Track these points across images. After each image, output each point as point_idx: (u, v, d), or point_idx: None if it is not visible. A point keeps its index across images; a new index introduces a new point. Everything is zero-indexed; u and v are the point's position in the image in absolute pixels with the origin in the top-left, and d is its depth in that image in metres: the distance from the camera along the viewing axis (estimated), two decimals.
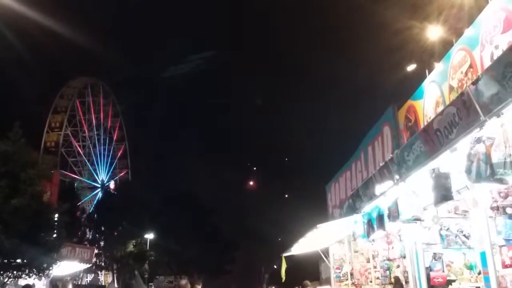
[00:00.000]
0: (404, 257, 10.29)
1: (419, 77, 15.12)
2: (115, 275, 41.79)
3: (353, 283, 14.38)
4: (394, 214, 8.63)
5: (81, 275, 40.24)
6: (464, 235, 8.78)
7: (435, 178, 6.81)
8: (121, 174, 76.60)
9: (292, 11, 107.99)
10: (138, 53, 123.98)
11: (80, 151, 71.93)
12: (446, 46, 13.47)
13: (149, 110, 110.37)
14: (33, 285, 14.49)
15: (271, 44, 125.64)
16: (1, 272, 14.86)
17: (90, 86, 74.65)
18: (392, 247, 11.35)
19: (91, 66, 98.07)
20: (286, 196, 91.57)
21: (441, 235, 8.91)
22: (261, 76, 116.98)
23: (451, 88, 12.28)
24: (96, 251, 33.49)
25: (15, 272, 14.94)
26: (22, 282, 15.47)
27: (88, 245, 33.40)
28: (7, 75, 74.15)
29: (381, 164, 10.73)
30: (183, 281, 11.17)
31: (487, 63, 9.64)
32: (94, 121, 74.58)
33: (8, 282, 15.73)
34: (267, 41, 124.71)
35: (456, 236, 8.85)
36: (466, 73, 11.46)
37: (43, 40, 60.31)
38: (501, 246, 6.94)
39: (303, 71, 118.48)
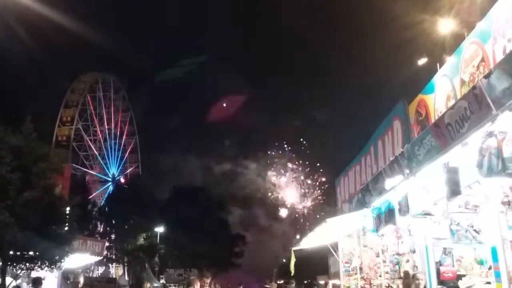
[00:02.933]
0: (414, 251, 10.26)
1: (430, 71, 15.01)
2: (125, 268, 42.15)
3: (362, 277, 14.39)
4: (404, 209, 8.61)
5: (92, 267, 40.75)
6: (475, 230, 8.71)
7: (447, 172, 6.77)
8: (132, 168, 77.13)
9: (301, 6, 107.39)
10: (148, 49, 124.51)
11: (91, 145, 72.48)
12: (457, 39, 13.34)
13: (161, 105, 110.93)
14: (44, 277, 14.62)
15: (281, 42, 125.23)
16: (14, 264, 15.05)
17: (101, 81, 75.05)
18: (402, 242, 11.31)
19: (102, 61, 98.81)
20: None
21: (451, 229, 8.85)
22: (273, 73, 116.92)
23: (463, 82, 12.16)
24: (107, 244, 33.78)
25: (27, 264, 15.10)
26: (34, 274, 15.67)
27: (99, 238, 33.68)
28: (19, 71, 74.93)
29: (391, 159, 10.69)
30: None
31: (500, 57, 9.54)
32: (105, 115, 75.05)
33: (20, 274, 15.95)
34: (278, 40, 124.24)
35: (466, 231, 8.79)
36: (478, 67, 11.34)
37: (54, 35, 60.79)
38: None
39: (311, 69, 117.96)
